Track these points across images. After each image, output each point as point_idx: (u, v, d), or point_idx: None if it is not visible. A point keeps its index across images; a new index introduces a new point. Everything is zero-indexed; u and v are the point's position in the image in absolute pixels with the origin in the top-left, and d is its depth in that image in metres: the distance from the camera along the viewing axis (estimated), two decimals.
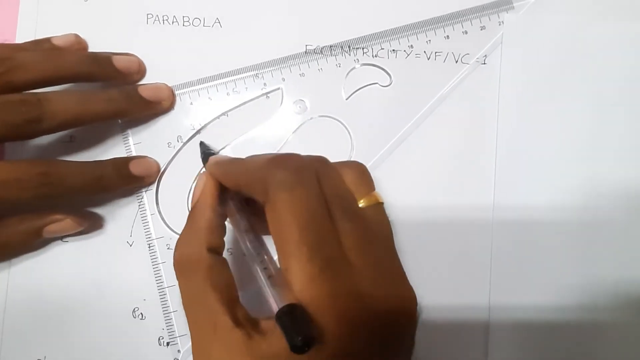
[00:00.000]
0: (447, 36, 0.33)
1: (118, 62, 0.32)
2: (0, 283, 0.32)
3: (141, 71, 0.33)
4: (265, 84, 0.33)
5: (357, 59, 0.33)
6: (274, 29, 0.34)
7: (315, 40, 0.34)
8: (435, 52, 0.33)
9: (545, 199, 0.32)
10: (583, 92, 0.33)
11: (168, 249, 0.33)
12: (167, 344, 0.32)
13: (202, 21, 0.34)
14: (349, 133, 0.33)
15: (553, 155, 0.32)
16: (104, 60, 0.31)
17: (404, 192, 0.32)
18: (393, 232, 0.27)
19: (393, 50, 0.33)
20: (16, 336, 0.32)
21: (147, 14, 0.34)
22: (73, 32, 0.33)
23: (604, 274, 0.32)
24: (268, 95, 0.33)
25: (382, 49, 0.33)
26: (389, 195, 0.32)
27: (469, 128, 0.33)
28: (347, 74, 0.33)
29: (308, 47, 0.34)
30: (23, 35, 0.34)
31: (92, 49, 0.34)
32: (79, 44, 0.33)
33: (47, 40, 0.32)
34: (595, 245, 0.32)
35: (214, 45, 0.34)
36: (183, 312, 0.31)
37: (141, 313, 0.32)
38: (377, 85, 0.33)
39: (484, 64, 0.33)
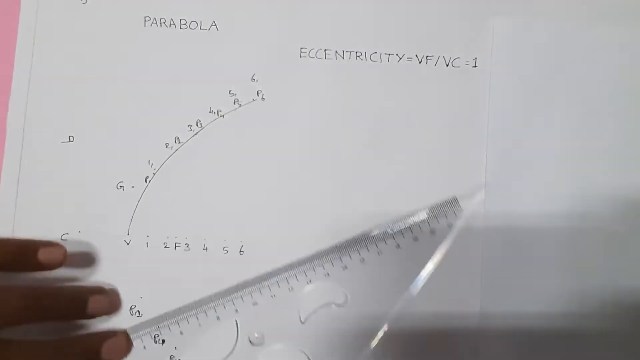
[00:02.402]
0: (398, 245, 0.33)
1: (42, 254, 0.31)
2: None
3: (112, 303, 0.33)
4: (218, 318, 0.32)
5: (310, 280, 0.33)
6: (270, 33, 0.34)
7: (311, 43, 0.34)
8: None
9: (535, 206, 0.33)
10: (573, 97, 0.33)
11: (165, 247, 0.33)
12: (163, 341, 0.33)
13: (199, 24, 0.35)
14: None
15: (543, 161, 0.33)
16: (28, 251, 0.31)
17: (393, 199, 0.33)
18: None
19: (345, 266, 0.33)
20: (17, 333, 0.33)
21: (145, 17, 0.35)
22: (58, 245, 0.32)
23: (593, 281, 0.32)
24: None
25: (333, 266, 0.33)
26: (379, 202, 0.33)
27: (458, 132, 0.34)
28: (302, 296, 0.33)
29: (302, 50, 0.34)
30: (24, 35, 0.34)
31: (91, 51, 0.34)
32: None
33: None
34: (584, 253, 0.32)
35: (211, 48, 0.34)
36: (180, 310, 0.33)
37: (138, 310, 0.33)
38: (332, 305, 0.33)
39: (475, 66, 0.34)
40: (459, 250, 0.33)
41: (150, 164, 0.34)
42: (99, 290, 0.32)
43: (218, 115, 0.34)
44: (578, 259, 0.32)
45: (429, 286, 0.32)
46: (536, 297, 0.32)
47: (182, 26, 0.35)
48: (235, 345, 0.32)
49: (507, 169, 0.33)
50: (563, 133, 0.33)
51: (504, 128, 0.33)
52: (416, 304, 0.32)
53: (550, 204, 0.33)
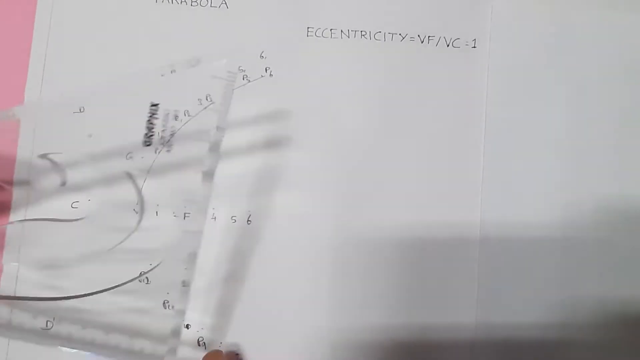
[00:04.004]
0: None
1: None
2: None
3: None
4: None
5: None
6: (278, 12, 0.36)
7: (317, 22, 0.35)
8: None
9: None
10: (570, 79, 0.34)
11: (175, 216, 0.34)
12: (173, 307, 0.33)
13: (209, 2, 0.36)
14: None
15: (540, 155, 0.34)
16: None
17: (394, 174, 0.34)
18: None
19: None
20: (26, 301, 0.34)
21: None
22: None
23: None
24: None
25: None
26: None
27: (457, 110, 0.35)
28: None
29: (309, 29, 0.35)
30: (41, 14, 0.35)
31: (103, 29, 0.35)
32: None
33: None
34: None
35: (220, 26, 0.35)
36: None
37: (146, 277, 0.34)
38: None
39: (475, 47, 0.35)
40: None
41: (160, 135, 0.35)
42: None
43: None
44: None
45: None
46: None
47: (193, 3, 0.36)
48: None
49: (503, 157, 0.34)
50: (559, 119, 0.34)
51: (501, 108, 0.34)
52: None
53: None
